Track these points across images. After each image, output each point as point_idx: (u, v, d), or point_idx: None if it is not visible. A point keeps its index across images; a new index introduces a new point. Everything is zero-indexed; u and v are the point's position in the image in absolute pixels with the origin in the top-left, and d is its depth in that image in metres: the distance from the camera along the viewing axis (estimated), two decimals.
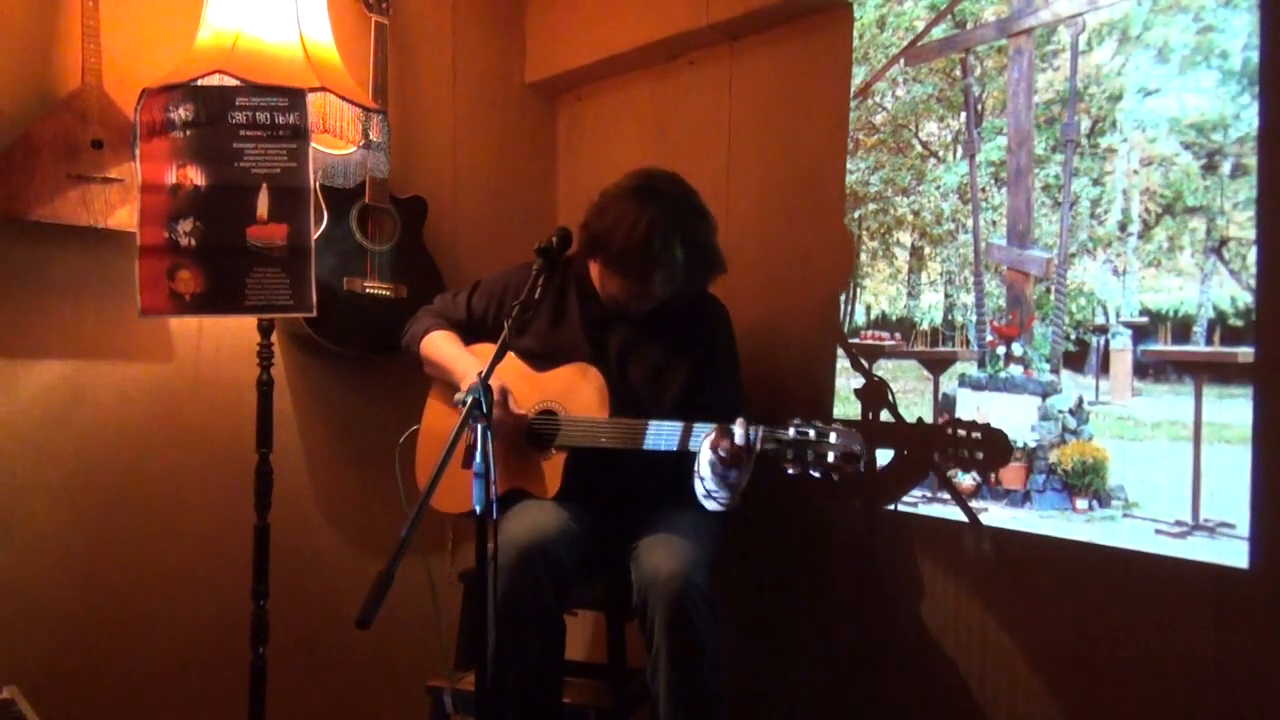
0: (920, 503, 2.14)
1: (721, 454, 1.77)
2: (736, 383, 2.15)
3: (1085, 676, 1.88)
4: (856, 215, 2.32)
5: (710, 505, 1.82)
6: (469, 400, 1.55)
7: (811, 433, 1.74)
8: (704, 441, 1.80)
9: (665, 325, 2.08)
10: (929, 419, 2.14)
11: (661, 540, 1.89)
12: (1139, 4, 1.82)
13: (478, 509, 1.54)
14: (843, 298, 2.34)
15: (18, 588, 2.23)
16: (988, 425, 1.92)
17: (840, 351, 2.32)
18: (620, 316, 2.10)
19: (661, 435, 1.89)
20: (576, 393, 2.04)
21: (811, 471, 1.73)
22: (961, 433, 1.88)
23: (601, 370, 2.03)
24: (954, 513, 2.07)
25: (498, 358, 1.69)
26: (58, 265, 2.27)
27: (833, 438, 1.72)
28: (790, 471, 1.74)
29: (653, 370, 2.07)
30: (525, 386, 2.10)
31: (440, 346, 2.17)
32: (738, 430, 1.77)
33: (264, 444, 2.26)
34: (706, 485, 1.83)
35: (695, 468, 1.85)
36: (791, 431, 1.75)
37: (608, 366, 2.05)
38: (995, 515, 2.01)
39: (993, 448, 1.87)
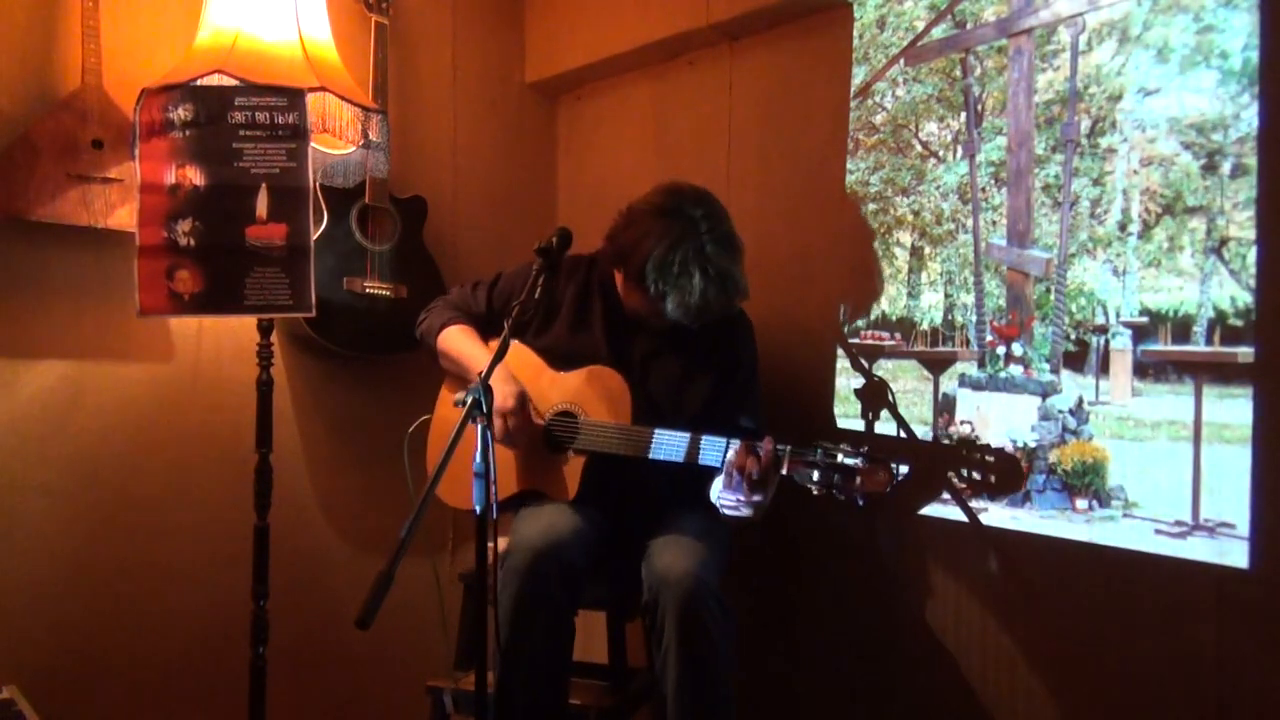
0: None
1: (749, 475, 1.77)
2: (755, 403, 2.11)
3: (1085, 676, 1.88)
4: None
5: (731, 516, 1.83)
6: (469, 400, 1.55)
7: (839, 456, 1.74)
8: (728, 459, 1.79)
9: (689, 338, 2.04)
10: (929, 419, 2.14)
11: (674, 540, 1.89)
12: (1139, 4, 1.82)
13: (477, 509, 1.54)
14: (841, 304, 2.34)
15: (18, 588, 2.23)
16: (1001, 450, 1.92)
17: (840, 351, 2.32)
18: (644, 326, 2.08)
19: (667, 445, 1.89)
20: (597, 396, 2.02)
21: (837, 494, 1.73)
22: (976, 455, 1.88)
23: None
24: (954, 513, 2.07)
25: (498, 358, 1.69)
26: (58, 265, 2.27)
27: (860, 461, 1.72)
28: (815, 492, 1.75)
29: (673, 383, 2.05)
30: (545, 385, 2.09)
31: (458, 342, 2.14)
32: (764, 452, 1.77)
33: (264, 444, 2.26)
34: (725, 505, 1.83)
35: (714, 485, 1.86)
36: (819, 454, 1.75)
37: (629, 374, 2.03)
38: (995, 515, 2.01)
39: (1005, 474, 1.88)
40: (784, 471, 1.77)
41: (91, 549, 2.33)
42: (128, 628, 2.37)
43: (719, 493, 1.85)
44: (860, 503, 1.77)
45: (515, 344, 1.74)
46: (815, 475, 1.74)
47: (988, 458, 1.89)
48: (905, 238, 2.24)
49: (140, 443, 2.39)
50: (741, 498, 1.81)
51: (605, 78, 2.93)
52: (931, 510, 2.11)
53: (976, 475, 1.89)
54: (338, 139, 2.18)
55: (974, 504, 2.04)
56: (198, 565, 2.45)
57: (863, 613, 2.25)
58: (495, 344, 2.10)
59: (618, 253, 1.99)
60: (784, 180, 2.46)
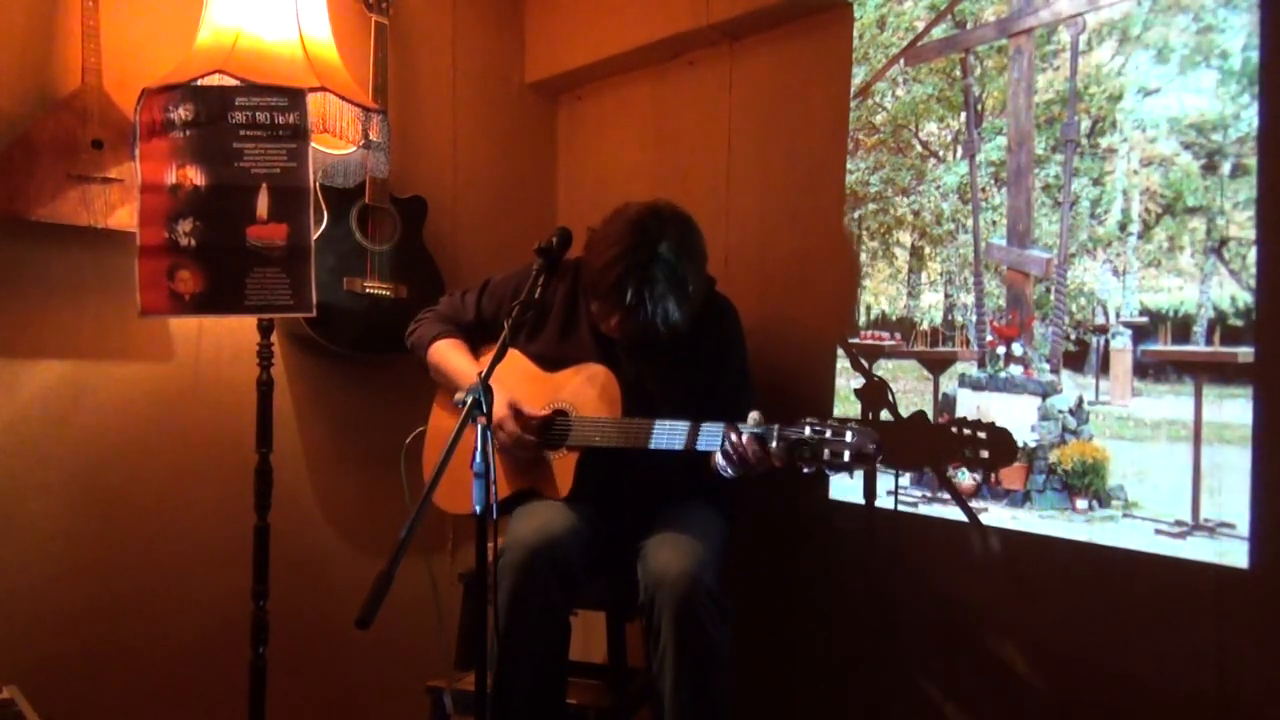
0: (920, 502, 2.14)
1: (731, 450, 1.78)
2: (748, 388, 2.11)
3: (1085, 676, 1.88)
4: (856, 215, 2.32)
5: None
6: (469, 400, 1.55)
7: (828, 432, 1.74)
8: (723, 446, 1.81)
9: (676, 336, 2.06)
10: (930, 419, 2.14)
11: (670, 539, 1.89)
12: (1139, 4, 1.82)
13: (477, 509, 1.54)
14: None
15: (18, 588, 2.23)
16: (992, 425, 1.92)
17: (840, 351, 2.32)
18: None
19: (666, 434, 1.89)
20: (588, 392, 2.03)
21: (827, 470, 1.75)
22: (967, 431, 1.88)
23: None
24: (954, 513, 2.07)
25: (498, 358, 1.68)
26: (58, 265, 2.27)
27: (848, 436, 1.73)
28: (805, 470, 1.76)
29: (664, 382, 2.04)
30: (536, 386, 2.10)
31: (447, 356, 2.15)
32: (752, 425, 1.79)
33: (264, 444, 2.26)
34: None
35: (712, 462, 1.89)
36: (807, 430, 1.76)
37: (619, 374, 2.02)
38: (995, 515, 2.01)
39: (998, 447, 1.88)
40: (773, 447, 1.77)
41: (91, 549, 2.33)
42: (128, 628, 2.37)
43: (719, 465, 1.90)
44: (850, 476, 1.74)
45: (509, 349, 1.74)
46: (806, 452, 1.75)
47: (979, 433, 1.90)
48: (905, 238, 2.24)
49: (140, 443, 2.39)
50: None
51: (605, 78, 2.93)
52: (931, 510, 2.11)
53: (969, 452, 1.89)
54: (338, 139, 2.18)
55: (974, 504, 2.04)
56: (198, 565, 2.45)
57: (861, 612, 2.25)
58: (488, 352, 2.11)
59: (585, 252, 2.00)
60: (784, 180, 2.46)
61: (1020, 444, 1.95)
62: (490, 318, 2.19)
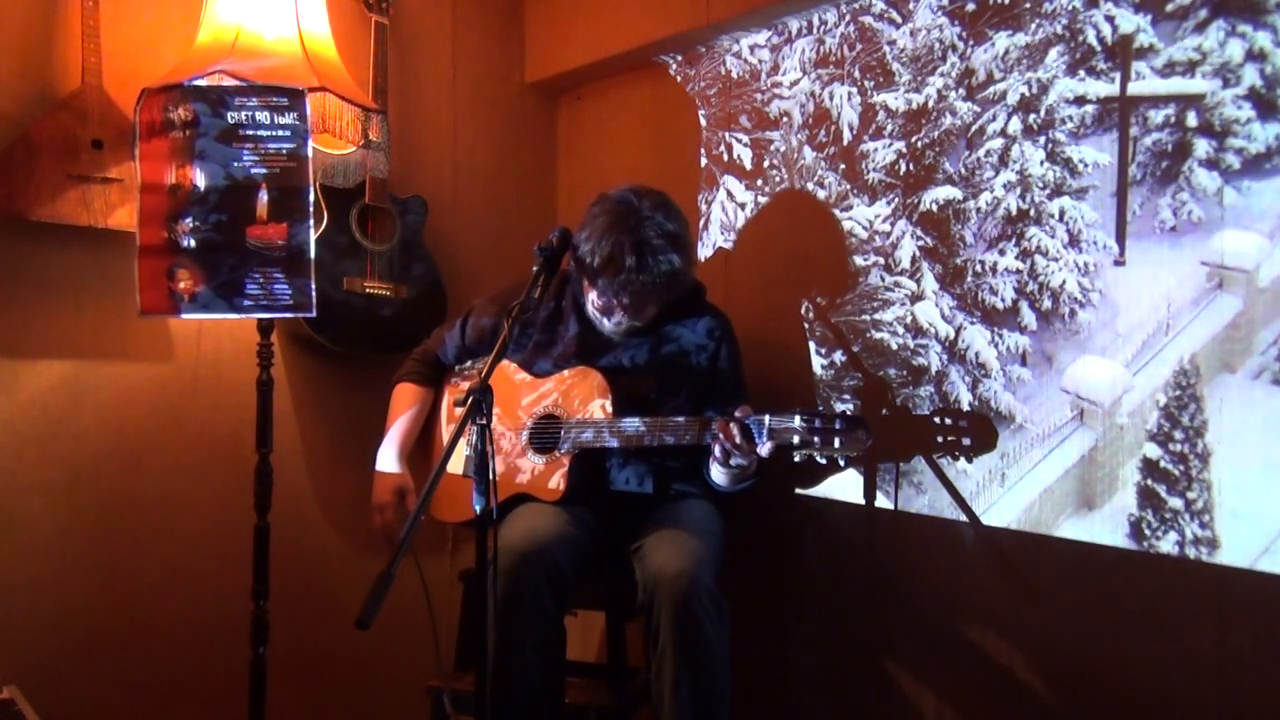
0: (917, 494, 2.15)
1: (732, 440, 1.79)
2: (741, 399, 2.11)
3: (1085, 676, 1.88)
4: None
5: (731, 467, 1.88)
6: (469, 401, 1.55)
7: (818, 421, 1.75)
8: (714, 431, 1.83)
9: (663, 347, 2.08)
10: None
11: (668, 537, 1.89)
12: None
13: (477, 509, 1.54)
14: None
15: (18, 588, 2.23)
16: (973, 413, 1.94)
17: (839, 350, 2.32)
18: (617, 344, 2.09)
19: (661, 431, 1.90)
20: (577, 393, 2.04)
21: (818, 458, 1.76)
22: (949, 421, 1.91)
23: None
24: (955, 513, 2.07)
25: (498, 356, 1.68)
26: (58, 265, 2.27)
27: (838, 424, 1.74)
28: (796, 458, 1.77)
29: (652, 400, 2.05)
30: (525, 392, 2.11)
31: (393, 402, 2.27)
32: (738, 419, 1.80)
33: (264, 444, 2.26)
34: (725, 474, 1.91)
35: (711, 469, 1.91)
36: (797, 420, 1.76)
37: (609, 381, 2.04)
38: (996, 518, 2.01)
39: (979, 434, 1.89)
40: (764, 438, 1.78)
41: (91, 549, 2.33)
42: (128, 628, 2.37)
43: (715, 471, 1.91)
44: (842, 464, 1.72)
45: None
46: (795, 439, 1.76)
47: (961, 421, 1.91)
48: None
49: (140, 443, 2.39)
50: (725, 470, 1.87)
51: (605, 78, 2.93)
52: (931, 510, 2.11)
53: (951, 439, 1.91)
54: (338, 139, 2.18)
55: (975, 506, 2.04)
56: (198, 565, 2.45)
57: (860, 611, 2.25)
58: (412, 410, 2.24)
59: (572, 254, 2.01)
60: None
61: None
62: (473, 344, 2.22)
